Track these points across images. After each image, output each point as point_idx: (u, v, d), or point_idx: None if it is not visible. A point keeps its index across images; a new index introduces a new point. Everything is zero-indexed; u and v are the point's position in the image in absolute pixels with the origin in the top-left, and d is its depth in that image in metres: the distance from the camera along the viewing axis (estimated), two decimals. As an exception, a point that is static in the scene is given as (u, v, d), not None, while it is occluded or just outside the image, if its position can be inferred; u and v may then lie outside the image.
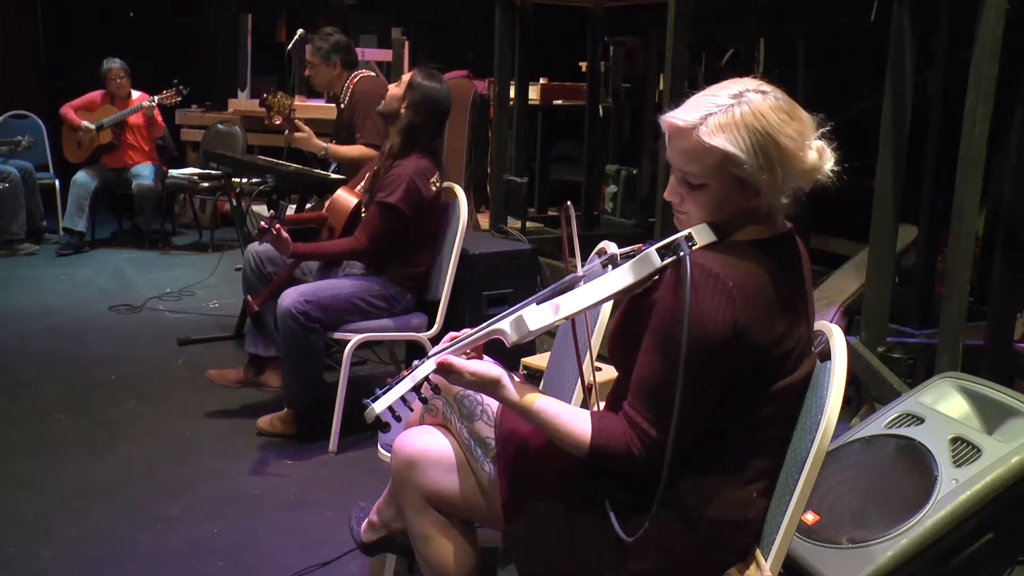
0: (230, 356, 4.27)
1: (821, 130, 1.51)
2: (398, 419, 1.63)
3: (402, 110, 3.30)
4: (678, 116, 1.49)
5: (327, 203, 3.55)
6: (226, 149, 6.24)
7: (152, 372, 4.09)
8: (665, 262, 1.48)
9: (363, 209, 3.40)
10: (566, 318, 1.55)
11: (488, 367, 1.59)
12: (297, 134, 4.03)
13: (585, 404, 1.85)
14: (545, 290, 1.63)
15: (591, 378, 1.86)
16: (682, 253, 1.45)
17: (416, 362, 1.65)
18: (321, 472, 3.16)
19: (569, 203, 1.67)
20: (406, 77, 3.35)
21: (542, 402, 1.57)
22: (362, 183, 3.51)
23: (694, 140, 1.46)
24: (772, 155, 1.44)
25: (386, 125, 3.44)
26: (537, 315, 1.54)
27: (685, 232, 1.49)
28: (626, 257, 1.57)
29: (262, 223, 3.12)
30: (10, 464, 3.15)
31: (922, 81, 3.59)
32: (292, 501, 2.95)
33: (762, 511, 1.58)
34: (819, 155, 1.49)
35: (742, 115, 1.44)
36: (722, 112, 1.45)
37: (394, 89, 3.38)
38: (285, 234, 3.12)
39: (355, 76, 4.22)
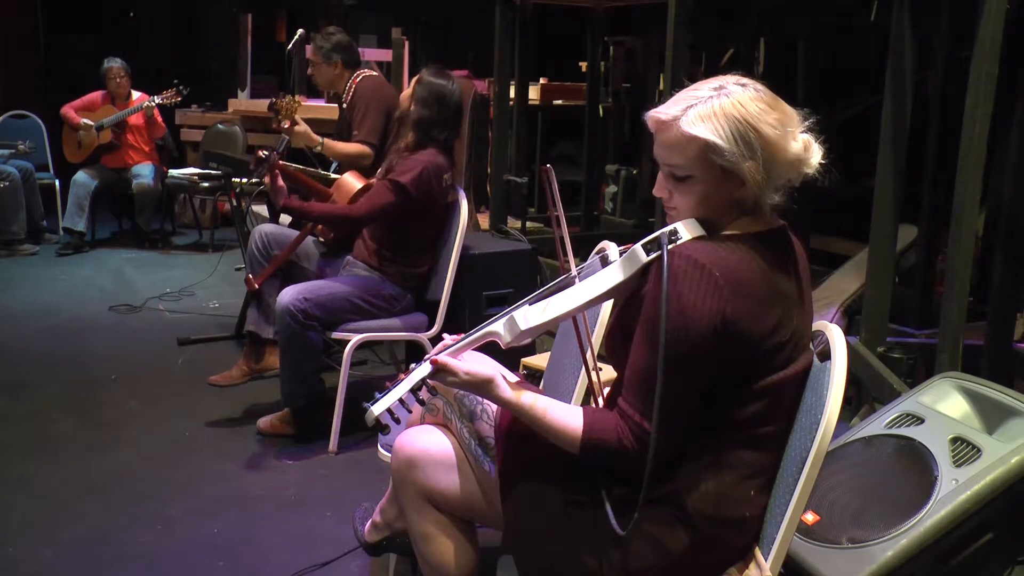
0: (230, 356, 4.27)
1: (807, 122, 1.53)
2: (397, 421, 1.64)
3: (411, 107, 3.32)
4: (661, 111, 1.53)
5: (334, 183, 3.57)
6: (226, 149, 6.24)
7: (152, 372, 4.09)
8: (651, 257, 1.50)
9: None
10: (557, 318, 1.56)
11: (481, 367, 1.60)
12: (297, 128, 4.04)
13: (587, 403, 1.86)
14: (539, 291, 1.64)
15: (593, 377, 1.86)
16: (663, 245, 1.47)
17: (413, 365, 1.66)
18: (321, 472, 3.16)
19: (548, 165, 1.69)
20: (416, 79, 3.38)
21: (535, 399, 1.58)
22: (375, 177, 3.54)
23: (676, 132, 1.50)
24: (753, 143, 1.46)
25: (401, 127, 3.46)
26: (528, 315, 1.55)
27: (670, 227, 1.51)
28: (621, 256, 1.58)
29: (260, 152, 3.11)
30: (10, 464, 3.16)
31: (922, 81, 3.60)
32: (292, 501, 2.95)
33: (761, 509, 1.58)
34: (805, 148, 1.50)
35: (721, 105, 1.48)
36: (702, 103, 1.49)
37: (405, 91, 3.42)
38: (282, 182, 3.13)
39: (358, 75, 4.22)
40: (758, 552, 1.58)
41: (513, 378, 1.65)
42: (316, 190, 3.64)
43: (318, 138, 4.05)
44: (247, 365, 3.75)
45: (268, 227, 3.67)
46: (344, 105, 4.25)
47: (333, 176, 4.01)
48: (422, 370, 1.62)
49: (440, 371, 1.60)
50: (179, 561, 2.58)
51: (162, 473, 3.12)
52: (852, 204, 3.75)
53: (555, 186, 1.68)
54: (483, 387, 1.60)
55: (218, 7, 8.44)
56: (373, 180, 3.56)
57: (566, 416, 1.55)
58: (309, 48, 4.32)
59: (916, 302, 3.76)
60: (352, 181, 3.55)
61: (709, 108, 1.48)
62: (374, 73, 4.40)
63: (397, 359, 4.05)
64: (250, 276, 3.55)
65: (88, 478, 3.06)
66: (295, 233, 3.64)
